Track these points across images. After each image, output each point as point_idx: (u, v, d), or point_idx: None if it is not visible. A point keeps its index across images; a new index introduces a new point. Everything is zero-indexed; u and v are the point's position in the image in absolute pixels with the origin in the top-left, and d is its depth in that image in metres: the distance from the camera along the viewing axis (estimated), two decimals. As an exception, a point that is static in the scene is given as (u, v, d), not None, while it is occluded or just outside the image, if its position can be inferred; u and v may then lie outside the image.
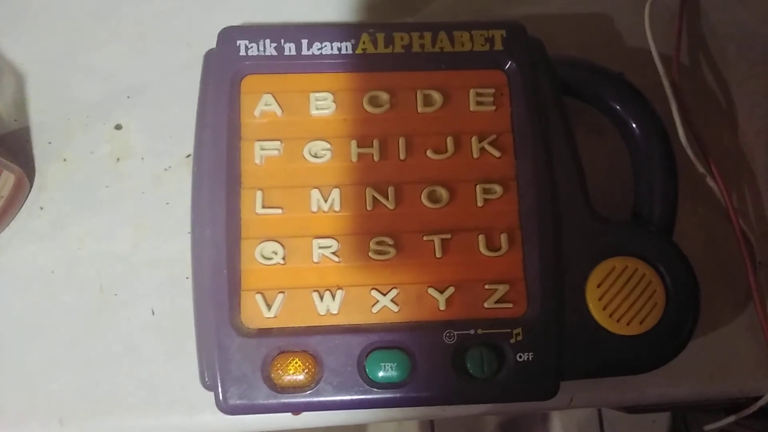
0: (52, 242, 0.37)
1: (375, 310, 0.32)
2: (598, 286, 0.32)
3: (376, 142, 0.34)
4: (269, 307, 0.32)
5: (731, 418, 0.40)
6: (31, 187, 0.37)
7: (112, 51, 0.40)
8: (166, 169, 0.38)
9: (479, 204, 0.33)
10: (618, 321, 0.32)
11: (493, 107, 0.34)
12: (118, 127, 0.38)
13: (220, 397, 0.31)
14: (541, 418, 0.98)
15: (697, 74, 0.41)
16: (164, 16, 0.40)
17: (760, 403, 0.37)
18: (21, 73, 0.39)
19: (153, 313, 0.36)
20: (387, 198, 0.33)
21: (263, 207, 0.33)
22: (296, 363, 0.31)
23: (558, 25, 0.41)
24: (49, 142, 0.38)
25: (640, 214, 0.35)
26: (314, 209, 0.33)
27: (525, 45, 0.35)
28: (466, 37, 0.35)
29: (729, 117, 0.40)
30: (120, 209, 0.37)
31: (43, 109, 0.39)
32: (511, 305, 0.32)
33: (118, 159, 0.38)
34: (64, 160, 0.38)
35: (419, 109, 0.34)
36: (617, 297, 0.32)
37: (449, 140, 0.34)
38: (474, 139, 0.34)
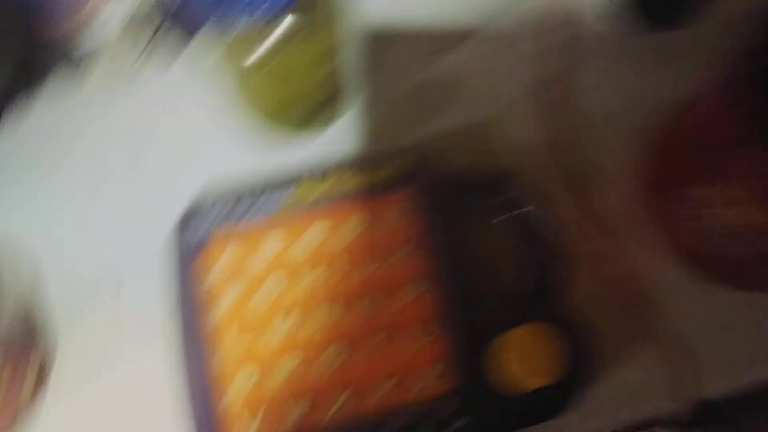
0: None
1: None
2: (511, 352, 0.40)
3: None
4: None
5: None
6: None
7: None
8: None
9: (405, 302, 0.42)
10: (532, 378, 0.40)
11: (407, 222, 0.43)
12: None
13: None
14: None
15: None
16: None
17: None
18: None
19: None
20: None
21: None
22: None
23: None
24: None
25: (534, 285, 0.43)
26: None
27: (427, 168, 0.44)
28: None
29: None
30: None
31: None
32: (443, 381, 0.40)
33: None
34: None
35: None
36: (528, 357, 0.40)
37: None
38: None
